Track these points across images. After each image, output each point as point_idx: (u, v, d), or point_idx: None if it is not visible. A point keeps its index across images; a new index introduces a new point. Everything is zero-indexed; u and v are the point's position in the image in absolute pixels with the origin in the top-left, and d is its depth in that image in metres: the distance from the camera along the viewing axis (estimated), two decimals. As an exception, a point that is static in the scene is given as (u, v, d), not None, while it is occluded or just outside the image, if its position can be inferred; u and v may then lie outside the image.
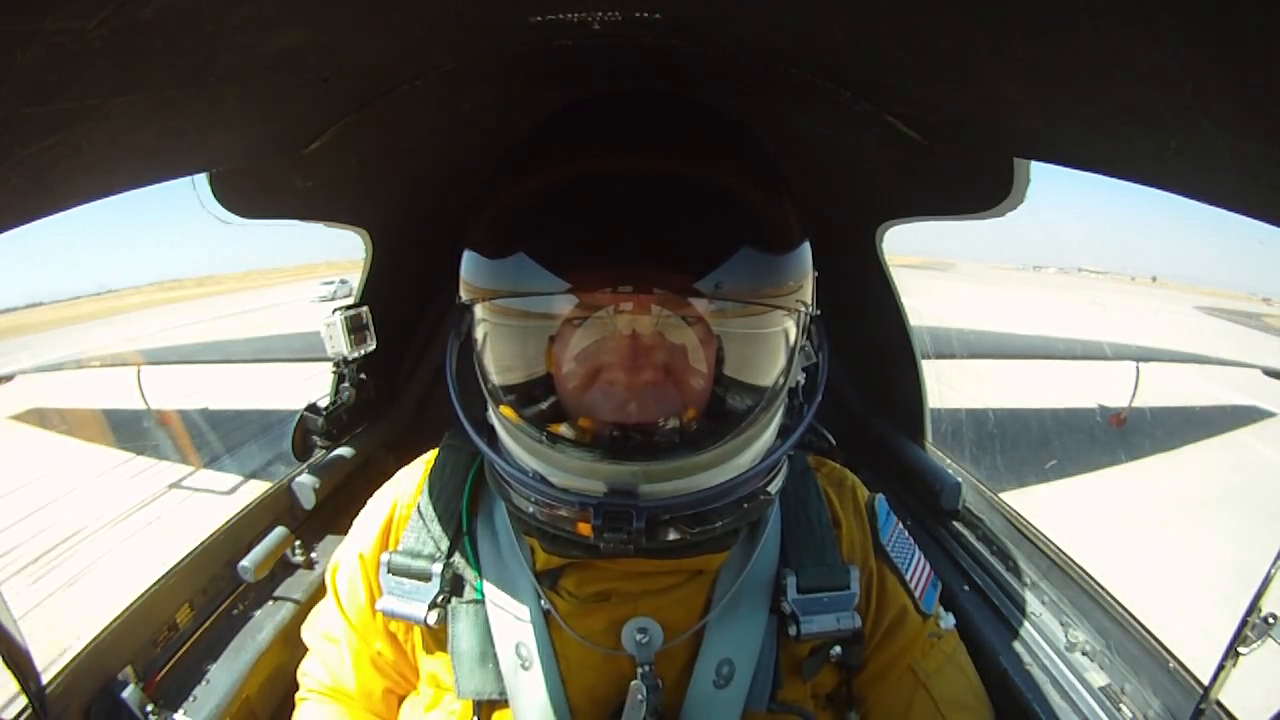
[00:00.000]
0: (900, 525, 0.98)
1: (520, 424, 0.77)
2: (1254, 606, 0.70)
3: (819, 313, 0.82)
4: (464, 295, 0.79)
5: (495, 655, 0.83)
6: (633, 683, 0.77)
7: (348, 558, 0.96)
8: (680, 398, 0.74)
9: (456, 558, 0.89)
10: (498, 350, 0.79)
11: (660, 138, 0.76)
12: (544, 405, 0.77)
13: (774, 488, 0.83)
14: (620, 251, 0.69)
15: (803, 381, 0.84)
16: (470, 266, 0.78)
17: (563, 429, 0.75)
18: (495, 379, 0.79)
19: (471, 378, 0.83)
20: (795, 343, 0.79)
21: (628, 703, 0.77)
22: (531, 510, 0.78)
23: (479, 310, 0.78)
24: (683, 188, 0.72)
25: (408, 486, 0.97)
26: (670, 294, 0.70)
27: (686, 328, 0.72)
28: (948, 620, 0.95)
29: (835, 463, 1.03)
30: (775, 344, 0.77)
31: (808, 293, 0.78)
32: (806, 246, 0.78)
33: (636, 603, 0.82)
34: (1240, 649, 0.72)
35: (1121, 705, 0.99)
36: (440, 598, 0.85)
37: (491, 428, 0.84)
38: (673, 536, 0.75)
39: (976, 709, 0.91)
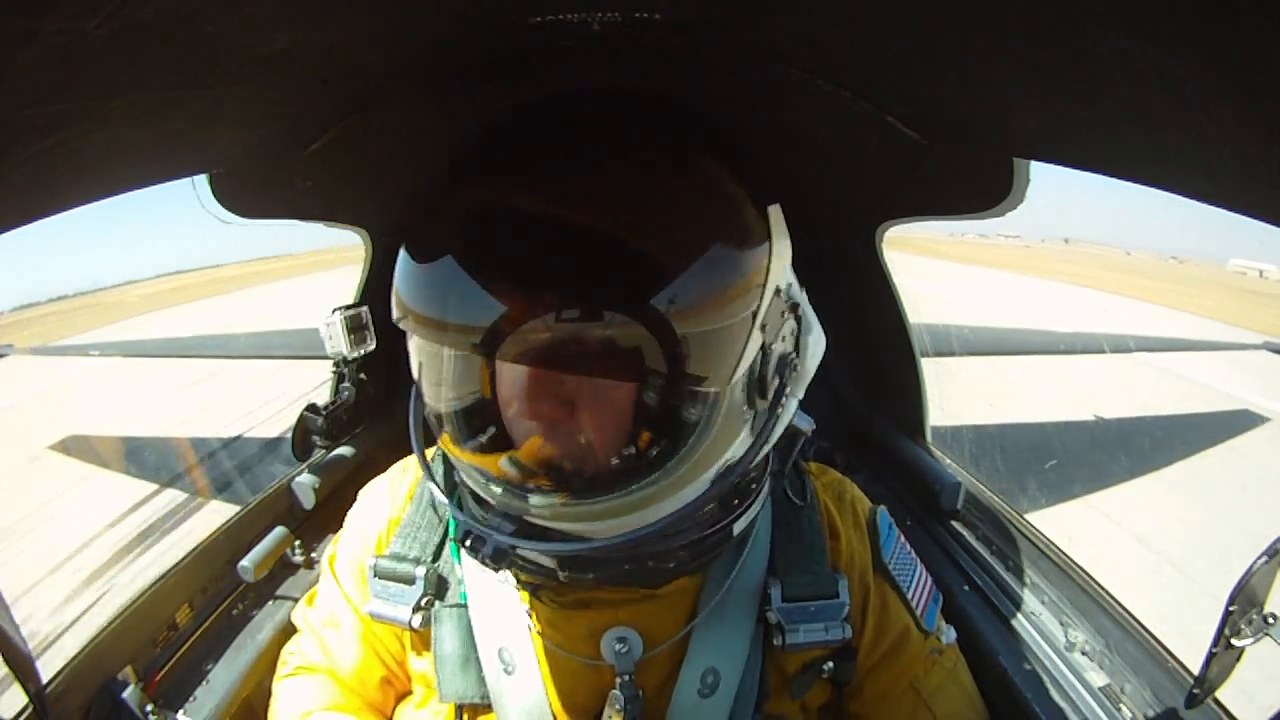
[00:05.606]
0: (902, 538, 0.96)
1: (444, 449, 0.76)
2: (1235, 596, 0.70)
3: (793, 304, 0.74)
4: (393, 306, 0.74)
5: (478, 659, 0.83)
6: (611, 692, 0.77)
7: (345, 549, 0.97)
8: (594, 430, 0.67)
9: (442, 562, 0.89)
10: (422, 372, 0.76)
11: (569, 163, 0.67)
12: (465, 435, 0.74)
13: (739, 527, 0.78)
14: (527, 278, 0.63)
15: (781, 384, 0.74)
16: (399, 271, 0.72)
17: (479, 460, 0.73)
18: (426, 401, 0.77)
19: None
20: (741, 356, 0.67)
21: (605, 712, 0.77)
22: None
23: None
24: (593, 224, 0.64)
25: (400, 490, 0.97)
26: (575, 321, 0.62)
27: (598, 359, 0.64)
28: (948, 635, 0.93)
29: (835, 469, 1.02)
30: (708, 364, 0.66)
31: (754, 301, 0.67)
32: (759, 252, 0.68)
33: (617, 610, 0.81)
34: (1235, 642, 0.72)
35: (1121, 705, 0.99)
36: (424, 600, 0.85)
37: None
38: (609, 572, 0.74)
39: None
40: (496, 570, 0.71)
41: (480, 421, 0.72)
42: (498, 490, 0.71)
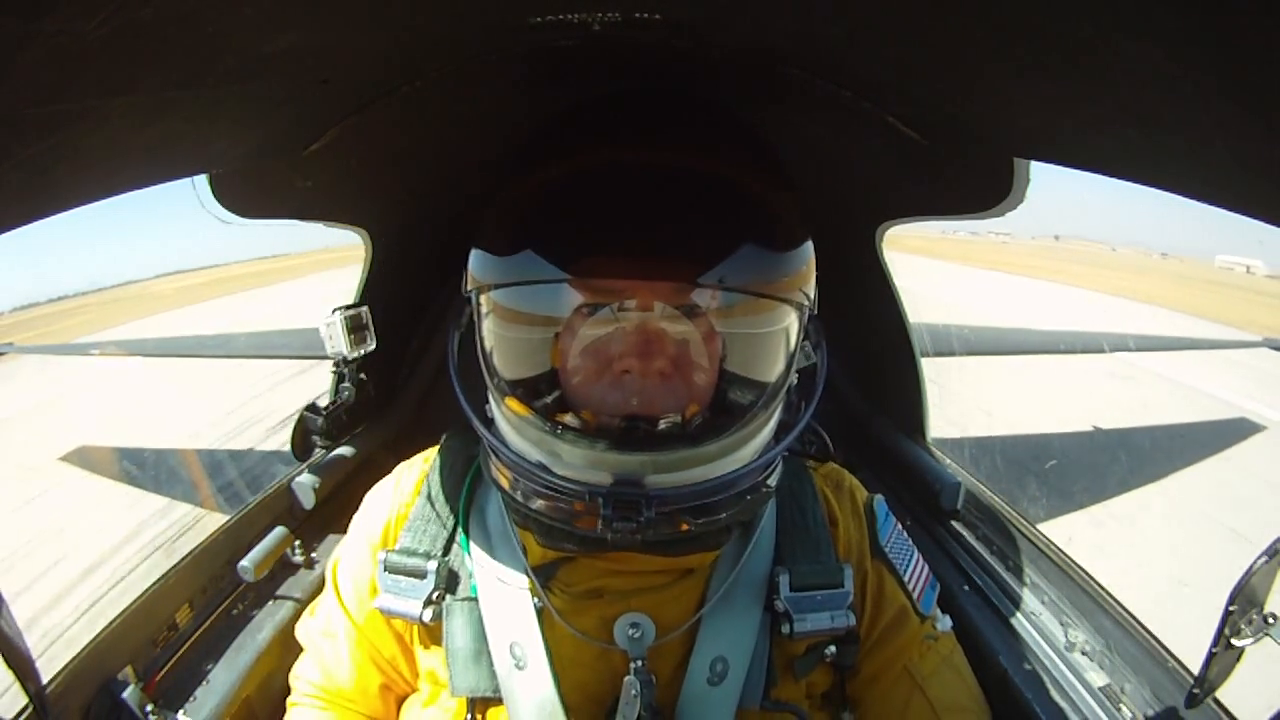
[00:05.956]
0: (899, 526, 0.98)
1: (526, 415, 0.77)
2: (1235, 596, 0.70)
3: (816, 313, 0.83)
4: (469, 287, 0.80)
5: (489, 652, 0.83)
6: (626, 678, 0.78)
7: (348, 554, 0.96)
8: (687, 390, 0.74)
9: (452, 556, 0.89)
10: (503, 342, 0.79)
11: (669, 133, 0.77)
12: (550, 397, 0.77)
13: (773, 481, 0.84)
14: (630, 244, 0.70)
15: (795, 382, 0.85)
16: (478, 262, 0.79)
17: (569, 419, 0.76)
18: (501, 371, 0.80)
19: (471, 371, 0.83)
20: (797, 338, 0.80)
21: (622, 698, 0.77)
22: (534, 505, 0.78)
23: (485, 302, 0.79)
24: (691, 181, 0.73)
25: (407, 485, 0.97)
26: (680, 284, 0.71)
27: (692, 320, 0.73)
28: (944, 622, 0.95)
29: (834, 463, 1.03)
30: (779, 338, 0.78)
31: (810, 289, 0.80)
32: (809, 245, 0.79)
33: (629, 600, 0.82)
34: (1235, 642, 0.72)
35: (1121, 705, 0.99)
36: (435, 595, 0.85)
37: (492, 421, 0.84)
38: (682, 527, 0.75)
39: (974, 712, 0.91)
40: (628, 530, 0.71)
41: (586, 380, 0.75)
42: (590, 449, 0.72)
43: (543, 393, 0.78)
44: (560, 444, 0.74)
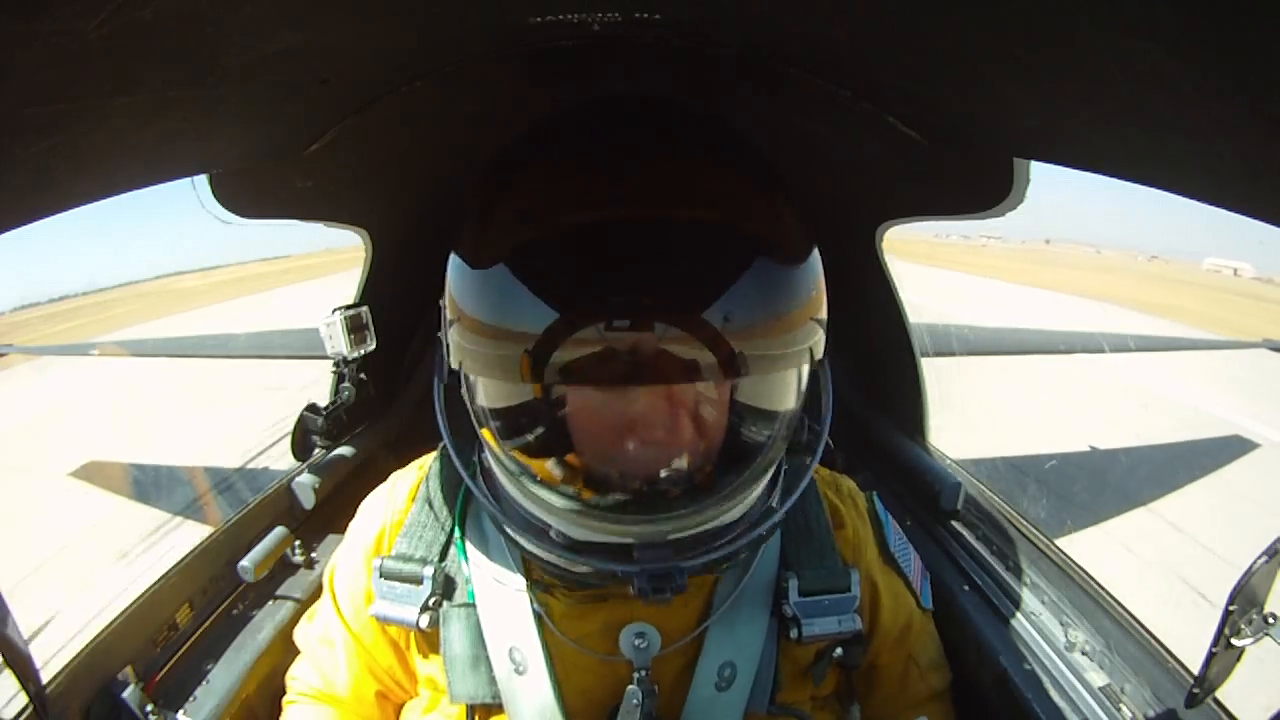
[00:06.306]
0: (894, 523, 1.00)
1: (537, 489, 0.72)
2: (1235, 596, 0.70)
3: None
4: (454, 359, 0.72)
5: (488, 659, 0.82)
6: (629, 688, 0.77)
7: (345, 561, 0.96)
8: (705, 448, 0.71)
9: (449, 561, 0.88)
10: (504, 416, 0.73)
11: (669, 178, 0.68)
12: (561, 468, 0.73)
13: (776, 501, 0.82)
14: (643, 312, 0.62)
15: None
16: (461, 328, 0.70)
17: (585, 492, 0.72)
18: (506, 444, 0.73)
19: (455, 410, 0.78)
20: (807, 380, 0.75)
21: (623, 707, 0.77)
22: (561, 566, 0.77)
23: (474, 374, 0.72)
24: (698, 238, 0.65)
25: (402, 491, 0.97)
26: (695, 361, 0.63)
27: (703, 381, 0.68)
28: (928, 598, 1.00)
29: (833, 468, 1.04)
30: (791, 385, 0.73)
31: (822, 312, 0.72)
32: (816, 259, 0.72)
33: (632, 606, 0.81)
34: (1235, 641, 0.72)
35: (1121, 705, 0.99)
36: (432, 600, 0.85)
37: (487, 468, 0.81)
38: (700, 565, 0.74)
39: (944, 667, 0.99)
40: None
41: (599, 450, 0.70)
42: (615, 523, 0.70)
43: (551, 460, 0.73)
44: (579, 517, 0.71)
